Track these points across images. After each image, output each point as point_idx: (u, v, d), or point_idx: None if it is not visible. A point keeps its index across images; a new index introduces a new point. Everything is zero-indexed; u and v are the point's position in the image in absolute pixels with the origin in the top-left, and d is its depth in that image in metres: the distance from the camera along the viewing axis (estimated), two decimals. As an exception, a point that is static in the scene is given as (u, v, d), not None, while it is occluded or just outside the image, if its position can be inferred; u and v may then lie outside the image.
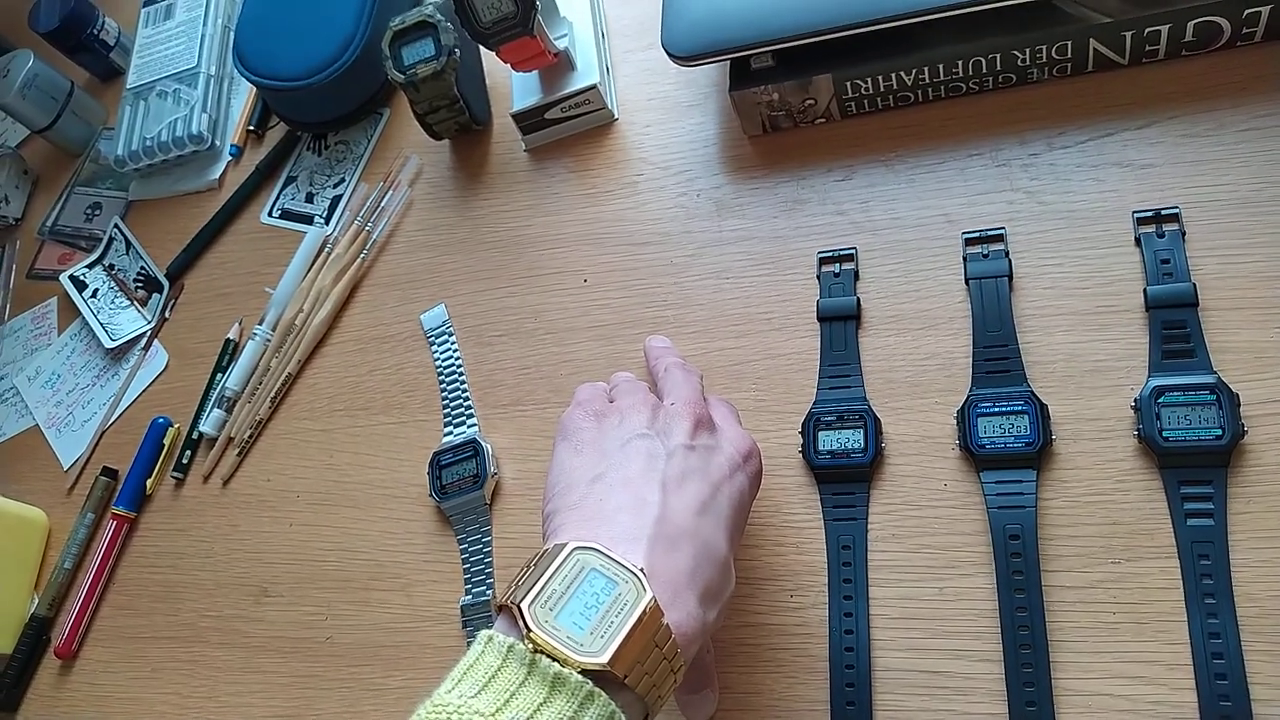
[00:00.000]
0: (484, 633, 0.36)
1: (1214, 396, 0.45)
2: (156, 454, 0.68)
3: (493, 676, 0.35)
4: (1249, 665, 0.41)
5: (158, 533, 0.67)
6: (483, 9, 0.61)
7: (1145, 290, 0.48)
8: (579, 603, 0.36)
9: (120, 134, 0.80)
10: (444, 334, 0.64)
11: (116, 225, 0.79)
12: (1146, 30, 0.52)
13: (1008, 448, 0.47)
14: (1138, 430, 0.46)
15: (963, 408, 0.49)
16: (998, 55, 0.54)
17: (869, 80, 0.56)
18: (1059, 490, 0.47)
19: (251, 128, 0.79)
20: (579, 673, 0.34)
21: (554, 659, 0.35)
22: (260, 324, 0.69)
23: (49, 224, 0.85)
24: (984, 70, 0.55)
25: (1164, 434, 0.45)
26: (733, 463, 0.44)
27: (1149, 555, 0.44)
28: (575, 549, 0.37)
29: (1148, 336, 0.48)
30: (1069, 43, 0.53)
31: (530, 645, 0.35)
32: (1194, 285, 0.47)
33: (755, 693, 0.48)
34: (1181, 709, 0.41)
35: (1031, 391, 0.48)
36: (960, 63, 0.55)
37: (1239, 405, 0.44)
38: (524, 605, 0.36)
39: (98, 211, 0.83)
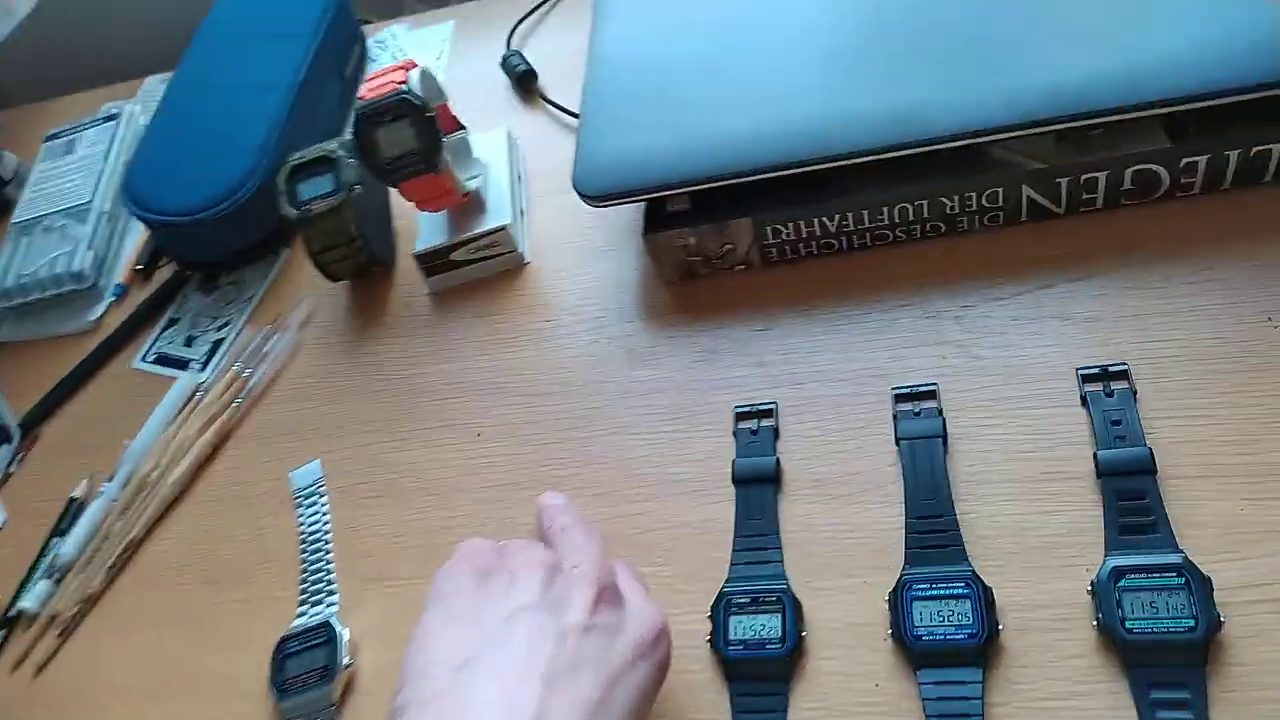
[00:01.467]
0: None
1: (1182, 579, 0.38)
2: (-34, 631, 0.58)
3: None
4: None
5: (-52, 729, 0.56)
6: (385, 144, 0.57)
7: (1095, 455, 0.42)
8: None
9: (-3, 270, 0.74)
10: (314, 494, 0.56)
11: (-24, 370, 0.72)
12: (1083, 178, 0.48)
13: (948, 640, 0.39)
14: (1097, 619, 0.39)
15: (895, 589, 0.41)
16: (925, 203, 0.50)
17: (790, 225, 0.52)
18: (1008, 693, 0.39)
19: (140, 266, 0.73)
20: None
21: None
22: (110, 480, 0.61)
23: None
24: (910, 218, 0.51)
25: (1127, 624, 0.38)
26: (638, 648, 0.36)
27: (1122, 777, 0.36)
28: None
29: (1101, 507, 0.42)
30: (1000, 189, 0.49)
31: None
32: (1150, 450, 0.42)
33: None
34: None
35: (974, 572, 0.41)
36: (885, 209, 0.51)
37: (1212, 590, 0.37)
38: None
39: (-40, 354, 0.76)
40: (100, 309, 0.73)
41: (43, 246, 0.74)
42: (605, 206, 0.54)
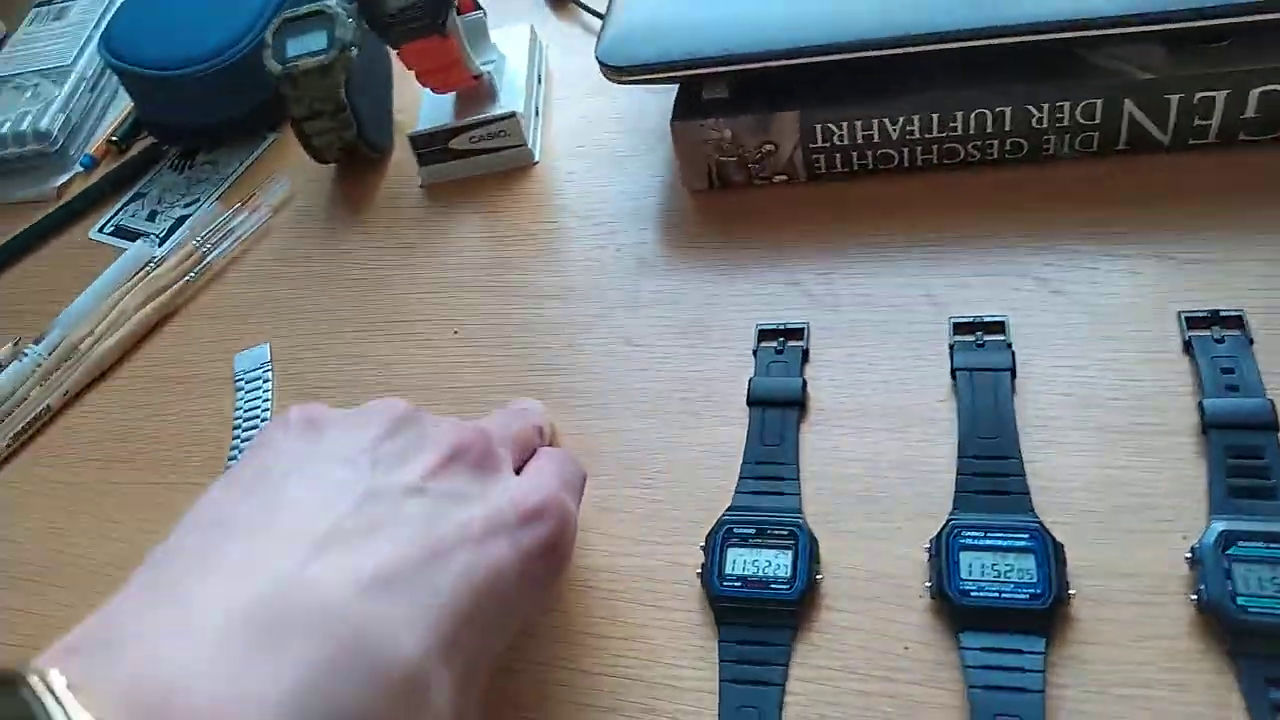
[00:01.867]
0: None
1: (1314, 553, 0.30)
2: None
3: None
4: None
5: None
6: (390, -5, 0.50)
7: (1201, 404, 0.34)
8: None
9: (-42, 124, 0.67)
10: (258, 380, 0.48)
11: (-82, 225, 0.64)
12: (1198, 96, 0.41)
13: (1003, 598, 0.31)
14: (1198, 593, 0.30)
15: (940, 535, 0.33)
16: (1007, 111, 0.43)
17: (844, 126, 0.45)
18: (1077, 673, 0.30)
19: (115, 139, 0.66)
20: None
21: None
22: (37, 343, 0.53)
23: None
24: (988, 130, 0.44)
25: (1239, 601, 0.29)
26: (492, 521, 0.28)
27: (1222, 790, 0.28)
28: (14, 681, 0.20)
29: (1206, 466, 0.33)
30: (1098, 102, 0.42)
31: None
32: (1271, 402, 0.34)
33: None
34: None
35: (1040, 524, 0.33)
36: (959, 115, 0.43)
37: (1352, 571, 0.29)
38: None
39: (-94, 211, 0.69)
40: (64, 178, 0.65)
41: (9, 103, 0.67)
42: (630, 82, 0.46)
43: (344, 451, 0.28)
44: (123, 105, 0.69)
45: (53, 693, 0.19)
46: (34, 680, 0.19)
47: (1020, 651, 0.30)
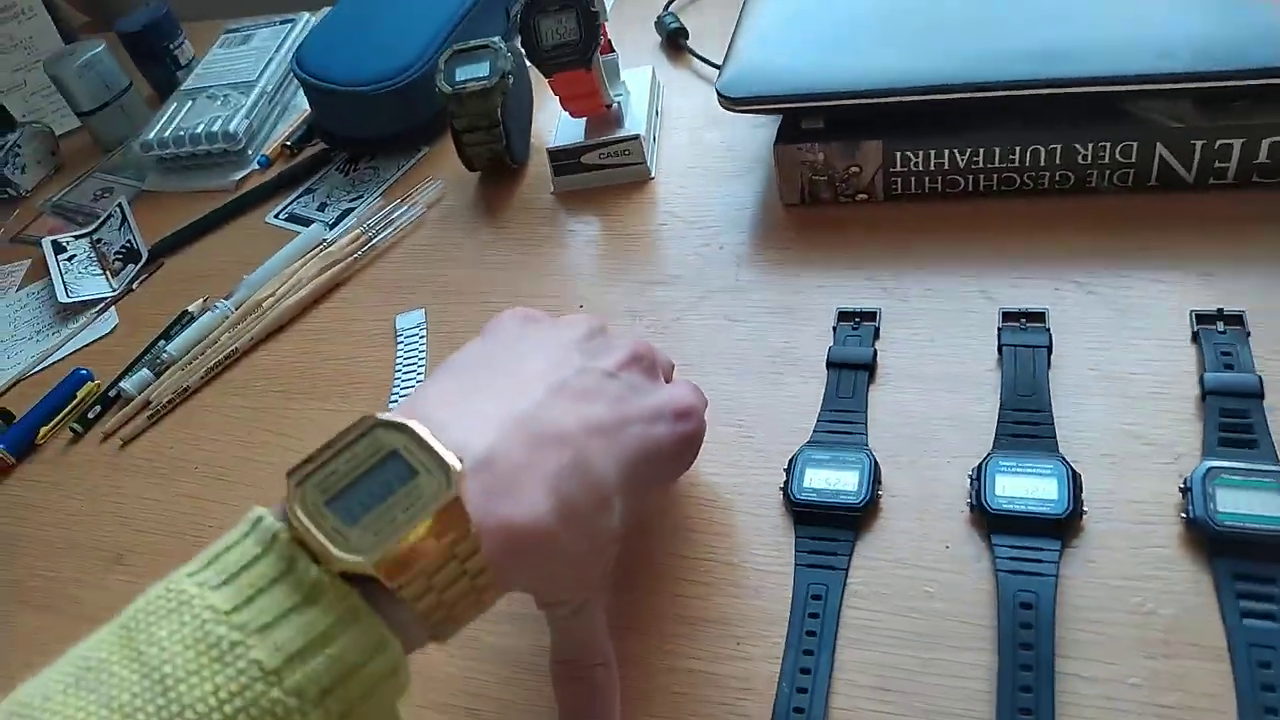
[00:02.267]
0: (256, 510, 0.28)
1: (1279, 484, 0.37)
2: (63, 405, 0.60)
3: (246, 566, 0.27)
4: (1327, 806, 0.31)
5: (28, 483, 0.58)
6: (546, 32, 0.61)
7: (1202, 378, 0.42)
8: (363, 490, 0.28)
9: (158, 123, 0.79)
10: (415, 335, 0.58)
11: (119, 204, 0.76)
12: (1218, 143, 0.49)
13: (1029, 510, 0.39)
14: (1185, 513, 0.38)
15: (980, 464, 0.41)
16: (1057, 148, 0.52)
17: (919, 154, 0.54)
18: (1086, 570, 0.38)
19: (289, 144, 0.78)
20: (343, 578, 0.27)
21: (311, 554, 0.27)
22: (226, 299, 0.64)
23: (54, 199, 0.83)
24: (1041, 163, 0.53)
25: (1218, 517, 0.37)
26: (658, 410, 0.37)
27: (1193, 655, 0.35)
28: (377, 425, 0.29)
29: (1202, 424, 0.41)
30: (1135, 144, 0.50)
31: (290, 533, 0.27)
32: (1259, 378, 0.41)
33: (669, 752, 0.37)
34: None
35: (1063, 458, 0.41)
36: (1017, 150, 0.52)
37: (1313, 501, 0.37)
38: (293, 481, 0.28)
39: (107, 194, 0.81)
40: (243, 173, 0.77)
41: (204, 109, 0.79)
42: (745, 111, 0.56)
43: (559, 339, 0.37)
44: (294, 116, 0.82)
45: (419, 436, 0.29)
46: (413, 424, 0.29)
47: (1040, 549, 0.38)
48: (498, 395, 0.33)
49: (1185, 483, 0.39)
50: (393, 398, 0.55)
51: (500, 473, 0.30)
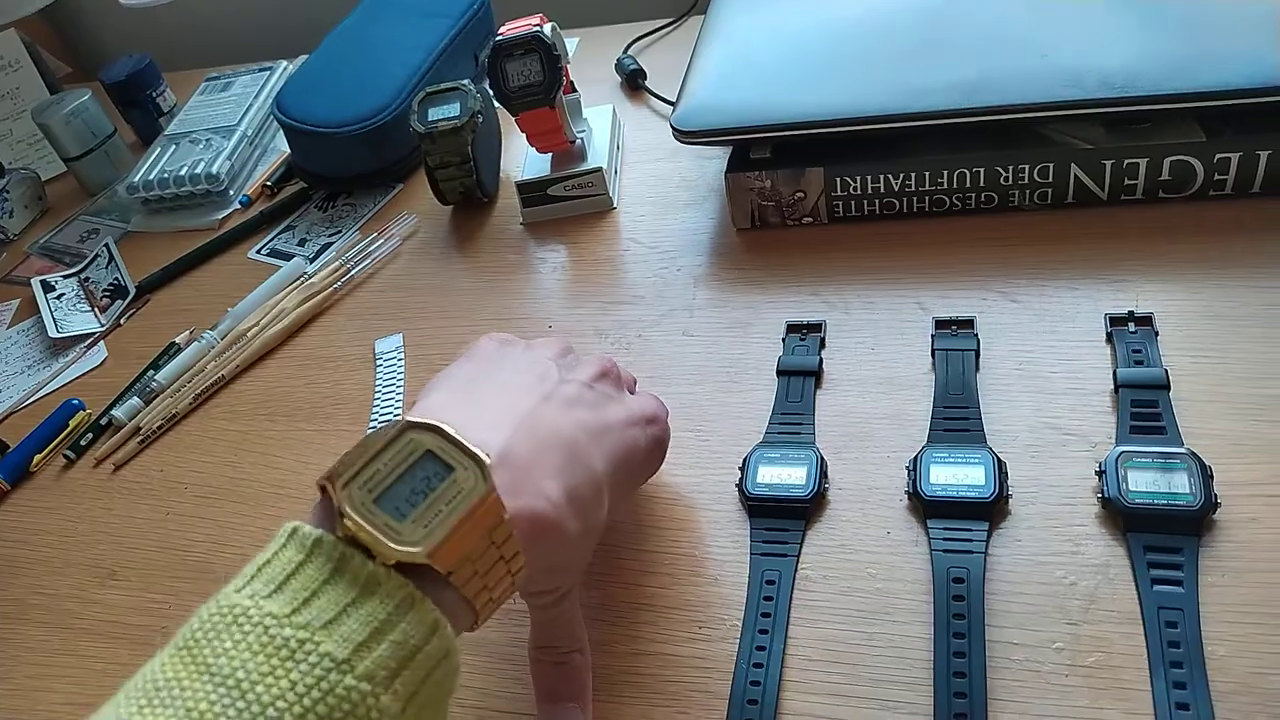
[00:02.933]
0: (288, 525, 0.31)
1: (1184, 465, 0.41)
2: (56, 433, 0.63)
3: (293, 573, 0.29)
4: (1223, 744, 0.34)
5: (24, 509, 0.60)
6: (512, 74, 0.65)
7: (1115, 373, 0.47)
8: (406, 488, 0.31)
9: (143, 166, 0.83)
10: (394, 358, 0.61)
11: (106, 243, 0.80)
12: (1126, 162, 0.54)
13: (960, 495, 0.43)
14: (1101, 494, 0.42)
15: (916, 456, 0.45)
16: (982, 170, 0.56)
17: (858, 179, 0.58)
18: (1012, 547, 0.42)
19: (269, 184, 0.82)
20: (396, 569, 0.29)
21: (367, 550, 0.29)
22: (211, 330, 0.67)
23: (41, 241, 0.86)
24: (968, 185, 0.57)
25: (1129, 496, 0.41)
26: (631, 417, 0.41)
27: (1110, 619, 0.39)
28: (410, 428, 0.32)
29: (1116, 415, 0.45)
30: (1051, 165, 0.55)
31: (342, 532, 0.30)
32: (1165, 371, 0.46)
33: (637, 726, 0.40)
34: (1140, 786, 0.34)
35: (990, 449, 0.45)
36: (945, 173, 0.57)
37: (1213, 478, 0.41)
38: (339, 485, 0.31)
39: (93, 235, 0.84)
40: (225, 213, 0.81)
41: (186, 152, 0.83)
42: (697, 143, 0.61)
43: (536, 357, 0.41)
44: (274, 157, 0.85)
45: (450, 435, 0.32)
46: (443, 425, 0.32)
47: (970, 530, 0.42)
48: (497, 402, 0.37)
49: (1100, 466, 0.43)
50: (373, 418, 0.58)
51: (516, 468, 0.33)
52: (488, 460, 0.32)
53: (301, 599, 0.28)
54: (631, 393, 0.45)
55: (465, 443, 0.32)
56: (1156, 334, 0.48)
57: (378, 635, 0.28)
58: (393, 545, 0.29)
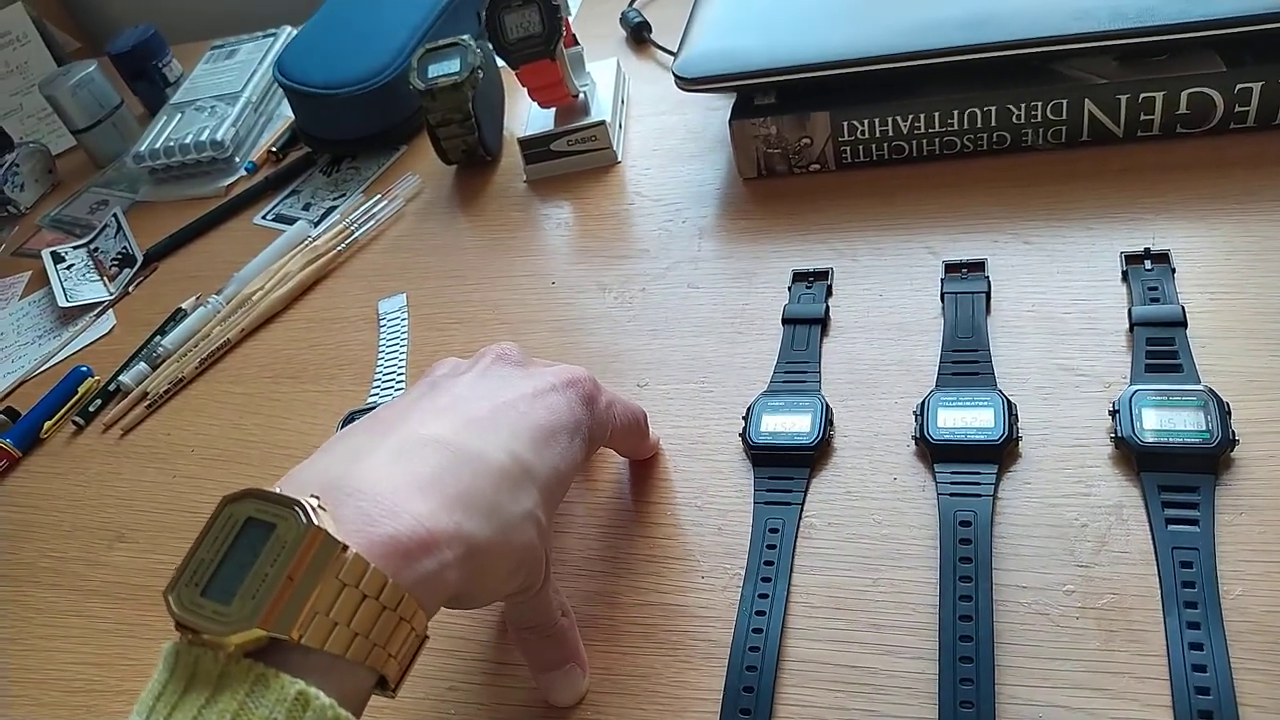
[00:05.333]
0: (164, 645, 0.28)
1: (1201, 402, 0.40)
2: (65, 400, 0.63)
3: (160, 693, 0.27)
4: (1239, 684, 0.33)
5: (35, 474, 0.61)
6: (511, 26, 0.64)
7: (1130, 311, 0.45)
8: (232, 565, 0.28)
9: (149, 136, 0.83)
10: (397, 318, 0.61)
11: (115, 214, 0.80)
12: (1142, 96, 0.52)
13: (968, 439, 0.42)
14: (1114, 434, 0.40)
15: (924, 400, 0.44)
16: (993, 109, 0.55)
17: (865, 123, 0.57)
18: (1021, 490, 0.41)
19: (274, 149, 0.81)
20: (245, 654, 0.27)
21: (209, 647, 0.27)
22: (217, 294, 0.67)
23: (52, 214, 0.86)
24: (979, 125, 0.55)
25: (1143, 434, 0.39)
26: (539, 386, 0.38)
27: (1122, 560, 0.37)
28: (225, 503, 0.29)
29: (1131, 354, 0.44)
30: (1064, 102, 0.53)
31: (185, 639, 0.28)
32: (1182, 308, 0.44)
33: (640, 676, 0.39)
34: (1152, 727, 0.33)
35: (1000, 391, 0.43)
36: (955, 113, 0.55)
37: (1230, 415, 0.39)
38: (167, 592, 0.28)
39: (103, 206, 0.84)
40: (231, 179, 0.81)
41: (192, 120, 0.83)
42: (699, 90, 0.59)
43: (423, 382, 0.39)
44: (278, 124, 0.85)
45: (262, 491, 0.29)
46: (253, 488, 0.29)
47: (978, 474, 0.41)
48: (363, 434, 0.34)
49: (1114, 406, 0.41)
50: (375, 378, 0.57)
51: (375, 495, 0.30)
52: (307, 500, 0.28)
53: (163, 717, 0.26)
54: (519, 359, 0.41)
55: (277, 491, 0.29)
56: (1173, 271, 0.46)
57: None
58: (223, 629, 0.26)
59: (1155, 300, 0.45)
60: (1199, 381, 0.41)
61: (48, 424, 0.62)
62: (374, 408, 0.53)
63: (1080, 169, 0.54)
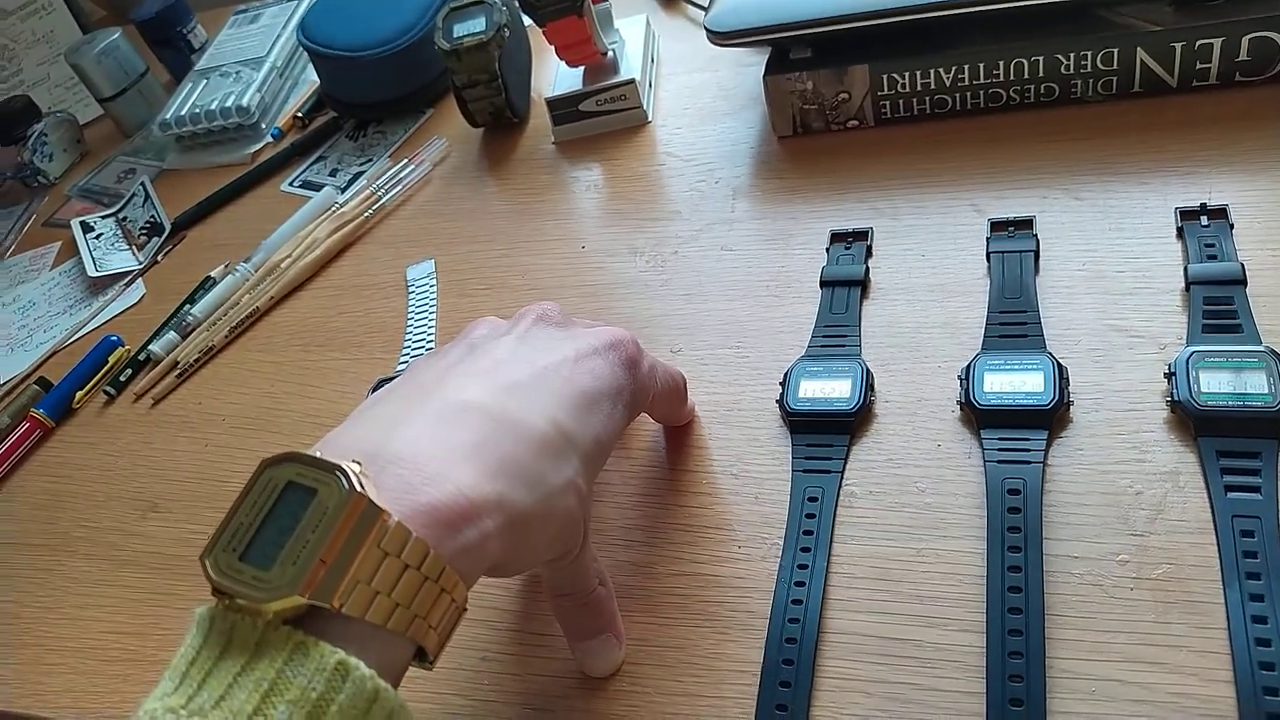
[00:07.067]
0: (196, 609, 0.28)
1: (1263, 364, 0.38)
2: (96, 370, 0.63)
3: (193, 659, 0.26)
4: (1305, 658, 0.32)
5: (68, 444, 0.61)
6: (538, -17, 0.62)
7: (1186, 269, 0.43)
8: (271, 530, 0.27)
9: (175, 103, 0.82)
10: (426, 284, 0.60)
11: (142, 182, 0.79)
12: (1198, 43, 0.49)
13: (1016, 404, 0.40)
14: (1170, 397, 0.39)
15: (969, 364, 0.42)
16: (1040, 59, 0.52)
17: (905, 76, 0.55)
18: (1073, 457, 0.39)
19: (299, 114, 0.80)
20: (283, 622, 0.26)
21: (247, 613, 0.26)
22: (245, 262, 0.66)
23: (81, 184, 0.86)
24: (1025, 76, 0.53)
25: (1201, 398, 0.38)
26: (581, 349, 0.37)
27: (1179, 529, 0.36)
28: (265, 466, 0.28)
29: (1187, 314, 0.42)
30: (1115, 51, 0.51)
31: (221, 604, 0.27)
32: (1241, 265, 0.42)
33: (676, 647, 0.38)
34: (1213, 703, 0.32)
35: (1050, 353, 0.42)
36: (1001, 64, 0.53)
37: (1294, 377, 0.37)
38: (203, 556, 0.27)
39: (130, 175, 0.84)
40: (257, 146, 0.80)
41: (217, 86, 0.82)
42: (732, 45, 0.57)
43: (466, 342, 0.37)
44: (304, 89, 0.84)
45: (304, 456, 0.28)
46: (295, 451, 0.29)
47: (1027, 439, 0.39)
48: (400, 400, 0.33)
49: (1170, 368, 0.39)
50: (405, 345, 0.56)
51: (416, 462, 0.29)
52: (350, 466, 0.28)
53: (197, 683, 0.26)
54: (560, 318, 0.40)
55: (320, 456, 0.28)
56: (1231, 227, 0.44)
57: (270, 699, 0.25)
58: (263, 596, 0.26)
59: (1212, 257, 0.43)
60: (1260, 342, 0.39)
61: (79, 394, 0.62)
62: (404, 375, 0.52)
63: (1132, 121, 0.51)
